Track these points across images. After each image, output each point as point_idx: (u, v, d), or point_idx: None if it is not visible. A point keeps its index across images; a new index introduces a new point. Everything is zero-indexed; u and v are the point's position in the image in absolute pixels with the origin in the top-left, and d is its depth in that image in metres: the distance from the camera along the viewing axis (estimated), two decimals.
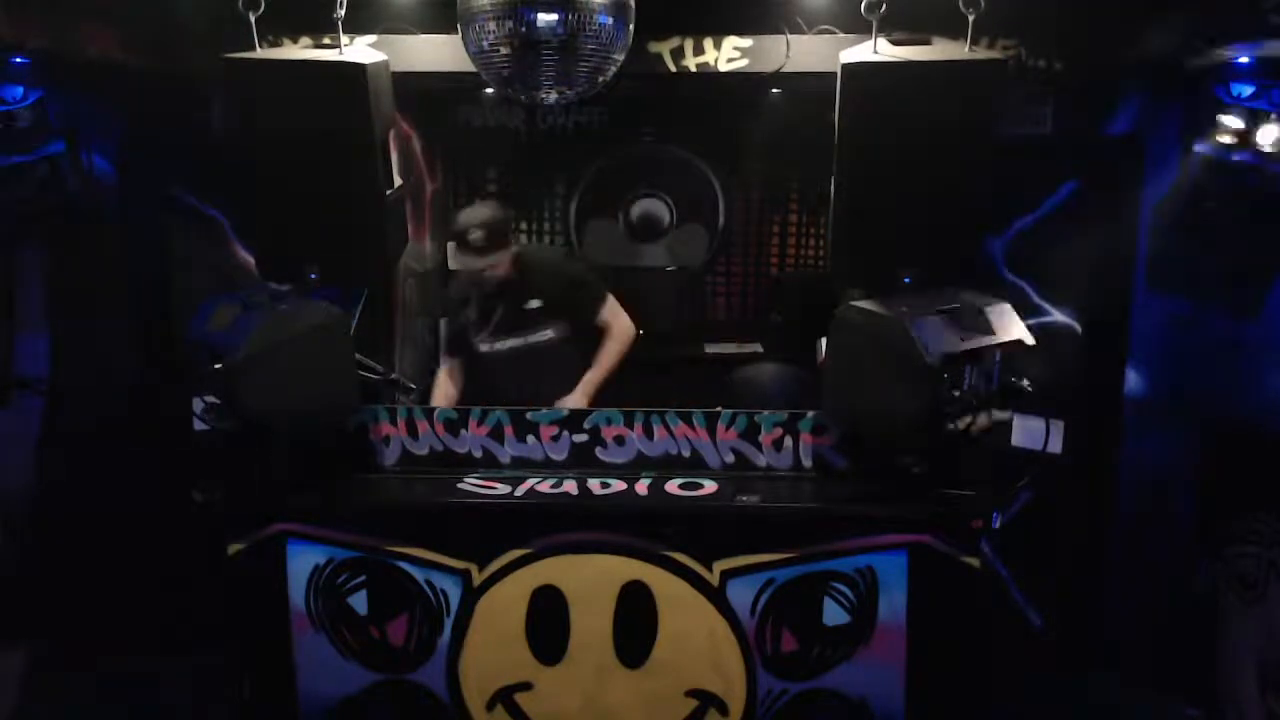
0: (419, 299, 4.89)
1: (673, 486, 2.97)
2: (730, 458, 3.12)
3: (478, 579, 2.88)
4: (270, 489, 2.97)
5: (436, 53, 3.34)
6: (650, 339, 4.15)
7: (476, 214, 3.53)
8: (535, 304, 3.59)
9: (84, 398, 3.81)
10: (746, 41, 3.38)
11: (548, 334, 3.61)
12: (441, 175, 5.32)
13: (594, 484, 2.99)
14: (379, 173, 3.05)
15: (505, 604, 2.89)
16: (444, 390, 3.73)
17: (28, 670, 3.70)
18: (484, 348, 3.63)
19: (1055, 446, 2.82)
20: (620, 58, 2.86)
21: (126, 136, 3.79)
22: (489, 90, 4.66)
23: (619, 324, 3.66)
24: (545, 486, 2.97)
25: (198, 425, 2.94)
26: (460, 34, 2.83)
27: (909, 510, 2.85)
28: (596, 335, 3.64)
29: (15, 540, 3.67)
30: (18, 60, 3.29)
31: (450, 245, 3.57)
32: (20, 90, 3.37)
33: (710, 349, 5.33)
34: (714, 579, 2.85)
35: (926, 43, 2.95)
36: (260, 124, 2.99)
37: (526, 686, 2.93)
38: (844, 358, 2.93)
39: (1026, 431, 2.97)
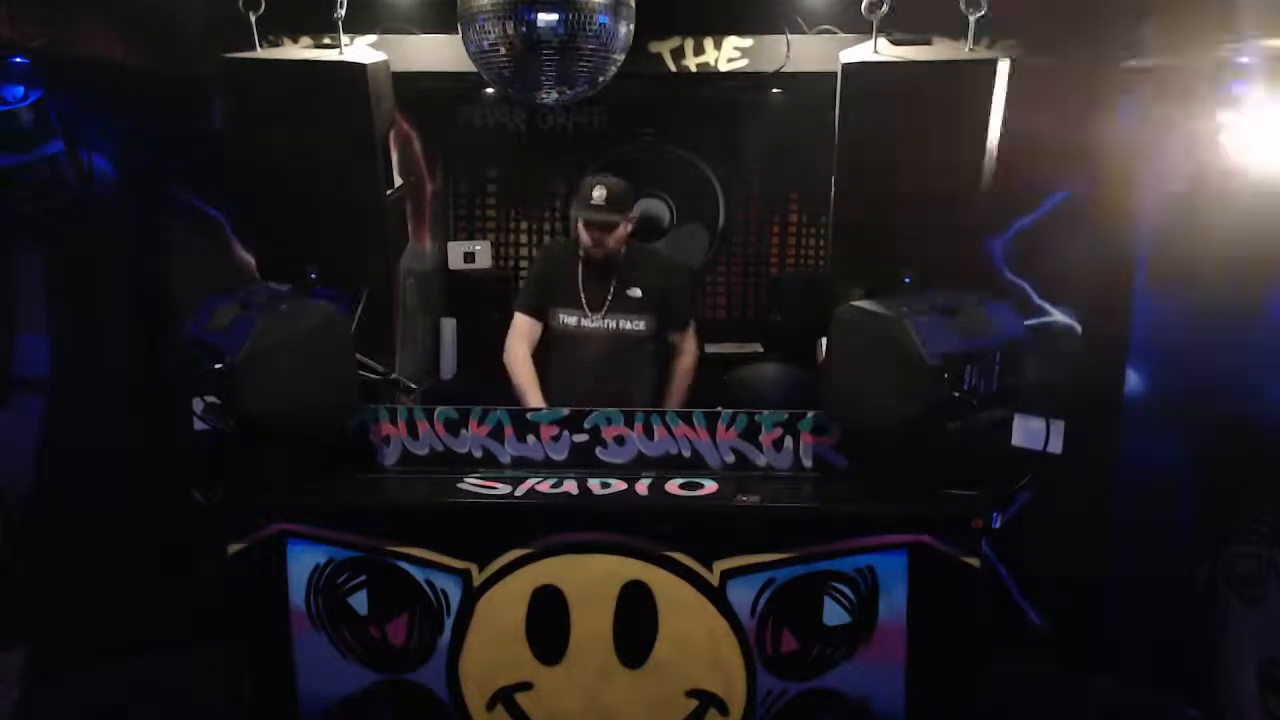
0: (419, 299, 4.90)
1: (673, 486, 2.97)
2: (730, 458, 3.13)
3: (478, 579, 2.88)
4: (270, 489, 2.97)
5: (436, 53, 3.34)
6: None
7: (601, 178, 3.56)
8: (637, 292, 3.63)
9: (84, 398, 3.81)
10: (746, 41, 3.39)
11: (640, 325, 3.65)
12: (441, 175, 5.32)
13: (594, 484, 2.99)
14: (379, 173, 3.05)
15: (505, 604, 2.88)
16: (518, 353, 3.66)
17: (27, 670, 3.70)
18: (575, 320, 3.65)
19: (1055, 446, 2.82)
20: (620, 58, 2.86)
21: (126, 136, 3.79)
22: (489, 90, 4.67)
23: (690, 348, 3.75)
24: (545, 486, 2.97)
25: (198, 425, 2.93)
26: (460, 34, 2.83)
27: (909, 510, 2.85)
28: (670, 349, 3.73)
29: (15, 540, 3.66)
30: (18, 60, 3.28)
31: (573, 213, 3.67)
32: (20, 90, 3.37)
33: (710, 349, 5.34)
34: (714, 579, 2.84)
35: (926, 43, 2.95)
36: (260, 124, 2.99)
37: (526, 686, 2.93)
38: (844, 358, 2.93)
39: (1026, 431, 2.97)
